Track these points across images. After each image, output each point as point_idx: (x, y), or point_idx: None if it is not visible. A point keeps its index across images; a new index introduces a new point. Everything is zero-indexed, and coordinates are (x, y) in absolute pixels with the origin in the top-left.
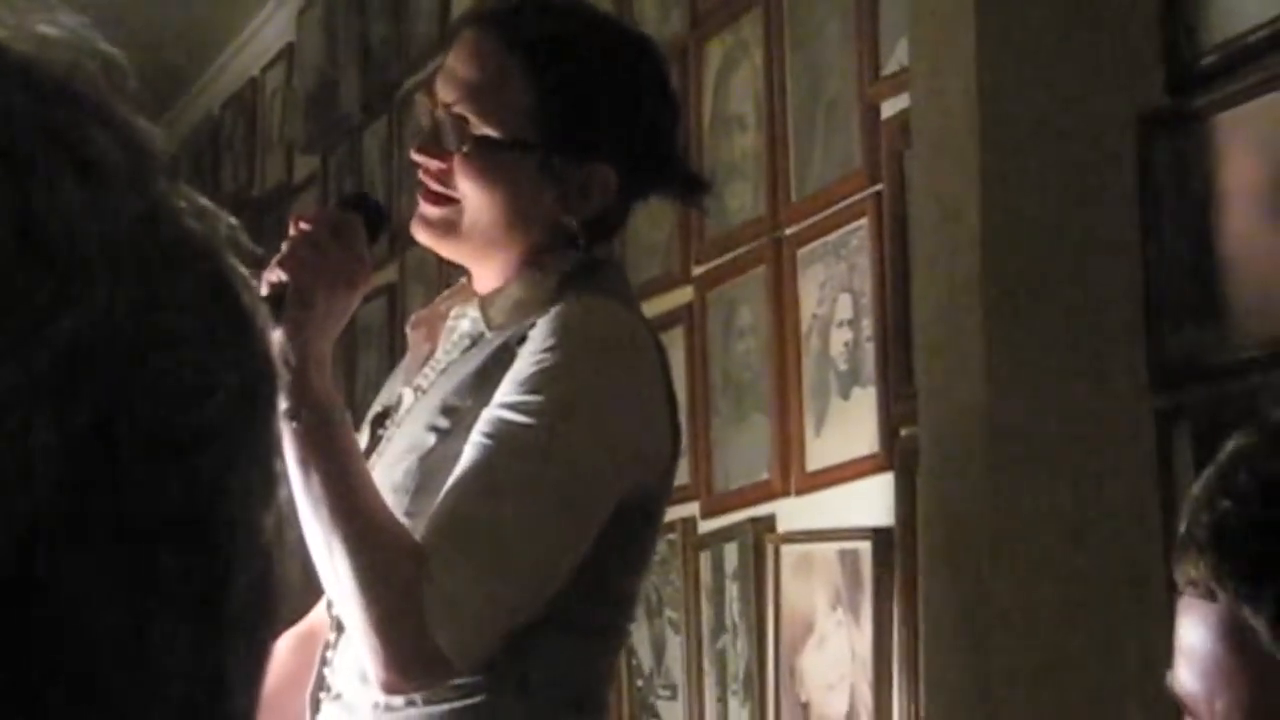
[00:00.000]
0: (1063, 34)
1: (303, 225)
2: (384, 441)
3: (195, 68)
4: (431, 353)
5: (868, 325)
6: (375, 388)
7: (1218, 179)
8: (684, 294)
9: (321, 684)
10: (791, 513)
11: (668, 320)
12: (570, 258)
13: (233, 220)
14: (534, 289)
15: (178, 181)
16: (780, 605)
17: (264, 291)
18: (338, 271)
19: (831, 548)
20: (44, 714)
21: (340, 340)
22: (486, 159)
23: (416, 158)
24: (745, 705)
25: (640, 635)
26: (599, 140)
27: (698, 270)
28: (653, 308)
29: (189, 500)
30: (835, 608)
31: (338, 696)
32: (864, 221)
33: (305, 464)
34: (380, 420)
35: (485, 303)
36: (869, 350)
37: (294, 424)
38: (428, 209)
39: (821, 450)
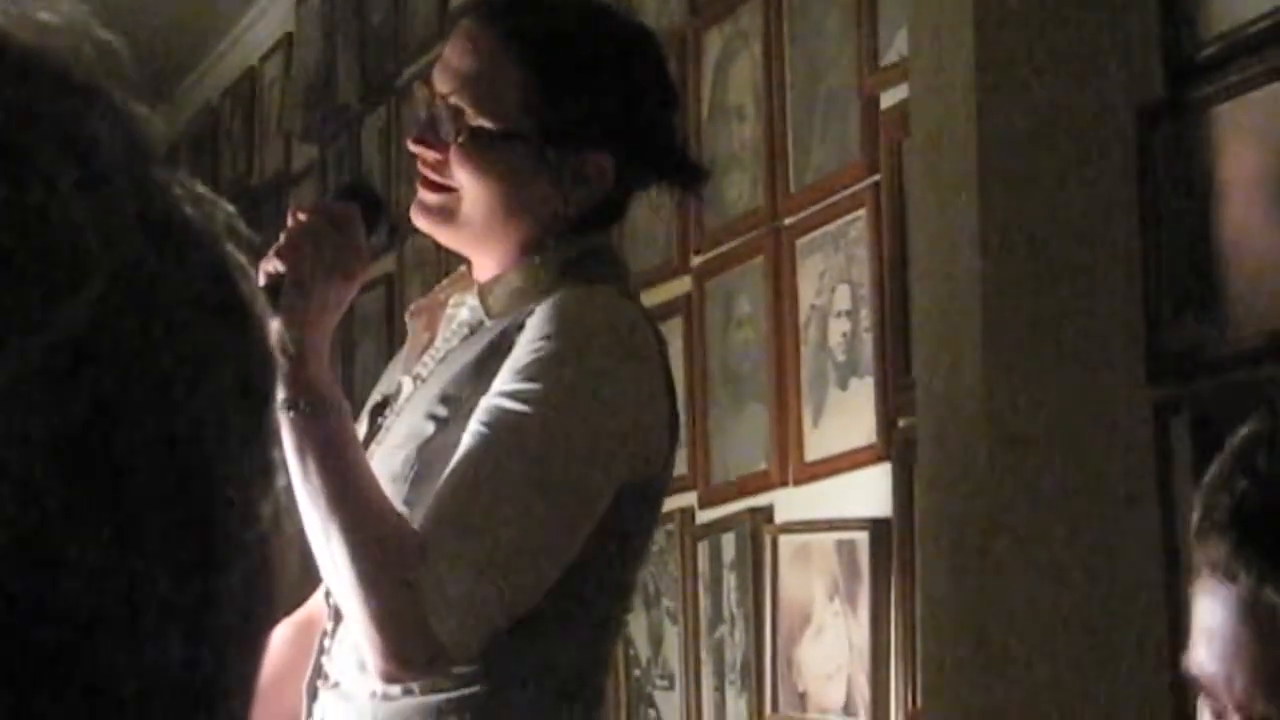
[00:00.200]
0: (1062, 25)
1: (300, 216)
2: (383, 430)
3: (194, 57)
4: (431, 341)
5: (866, 316)
6: (373, 377)
7: (1217, 170)
8: (682, 284)
9: (319, 672)
10: (789, 503)
11: (666, 310)
12: (570, 246)
13: (231, 208)
14: (533, 277)
15: (176, 169)
16: (778, 595)
17: (261, 282)
18: (334, 262)
19: (829, 538)
20: (39, 707)
21: (338, 330)
22: (482, 149)
23: (414, 148)
24: (742, 695)
25: (638, 625)
26: (595, 130)
27: (696, 260)
28: (651, 298)
29: (187, 489)
30: (833, 598)
31: (335, 685)
32: (863, 212)
33: (303, 454)
34: (380, 409)
35: (484, 291)
36: (867, 341)
37: (292, 414)
38: (426, 195)
39: (819, 441)
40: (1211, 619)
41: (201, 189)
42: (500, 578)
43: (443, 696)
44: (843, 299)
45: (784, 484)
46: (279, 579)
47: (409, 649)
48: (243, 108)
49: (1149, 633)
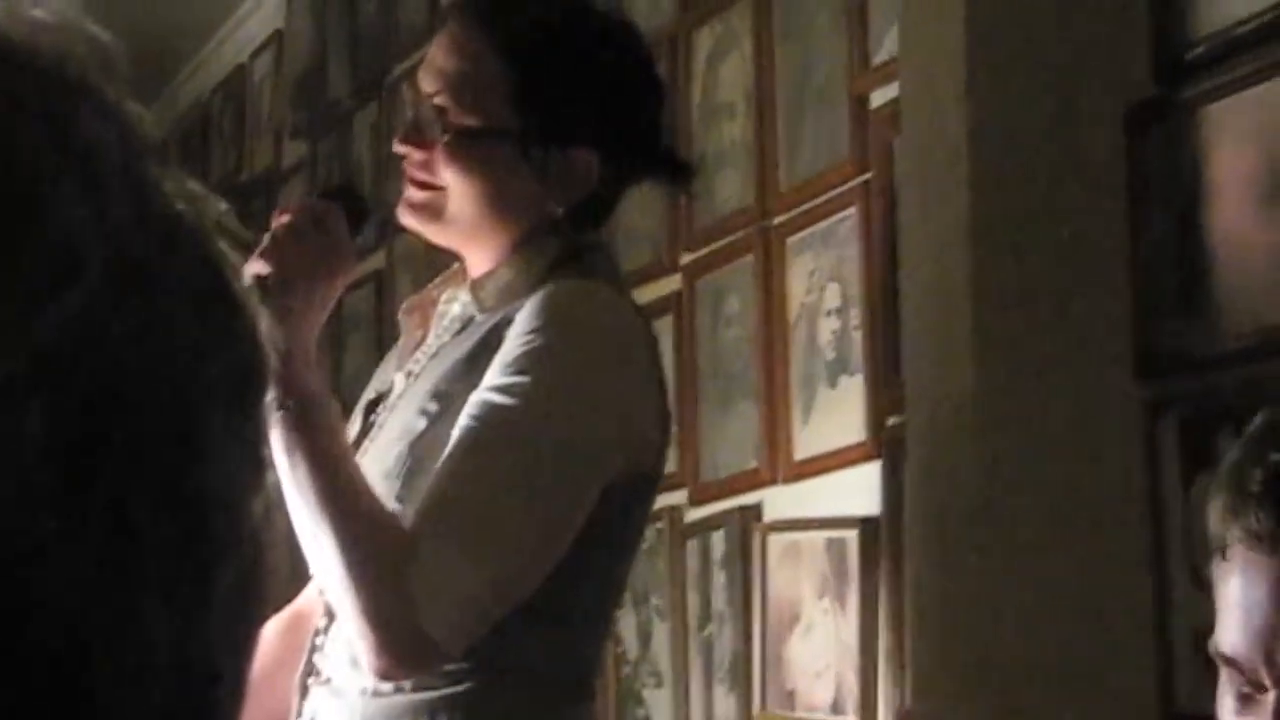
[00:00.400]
0: (1052, 24)
1: (284, 217)
2: (376, 427)
3: (185, 53)
4: (424, 338)
5: (856, 314)
6: (363, 375)
7: (1206, 170)
8: (672, 282)
9: (311, 669)
10: (779, 501)
11: (656, 309)
12: (561, 242)
13: (223, 205)
14: (524, 272)
15: (168, 166)
16: (767, 593)
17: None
18: (319, 261)
19: (818, 536)
20: (33, 700)
21: (327, 328)
22: (466, 148)
23: (400, 148)
24: (731, 693)
25: (627, 623)
26: (579, 127)
27: (686, 259)
28: (641, 296)
29: (180, 484)
30: (822, 596)
31: (327, 681)
32: (852, 210)
33: (292, 453)
34: (373, 406)
35: (476, 286)
36: (857, 339)
37: (280, 413)
38: (413, 193)
39: (809, 439)
40: (1248, 594)
41: (194, 185)
42: (490, 572)
43: (434, 694)
44: (832, 297)
45: (773, 482)
46: (270, 575)
47: (401, 645)
48: (233, 104)
49: (1138, 631)
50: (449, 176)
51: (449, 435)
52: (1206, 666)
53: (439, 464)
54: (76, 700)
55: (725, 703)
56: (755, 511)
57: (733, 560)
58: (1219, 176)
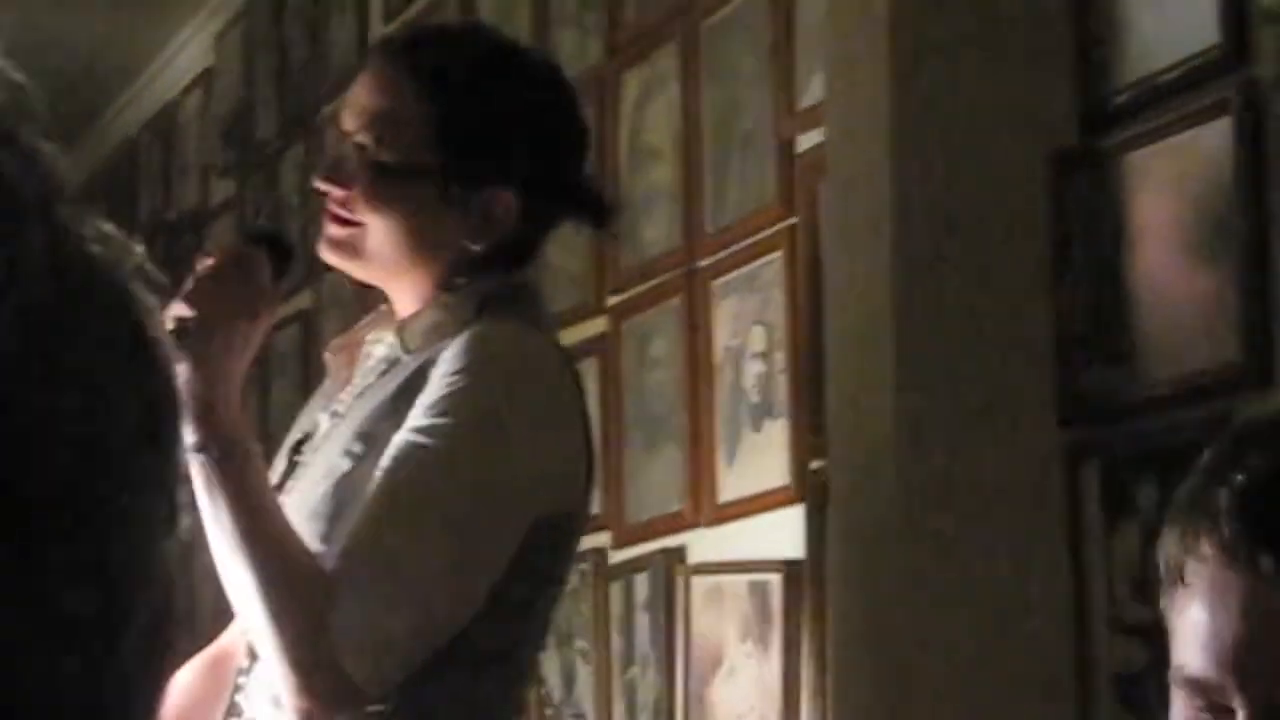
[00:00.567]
0: (977, 72)
1: (206, 261)
2: (301, 468)
3: (113, 91)
4: (350, 379)
5: (780, 358)
6: (289, 414)
7: (1129, 217)
8: (598, 324)
9: (234, 708)
10: (703, 544)
11: (582, 350)
12: (487, 282)
13: (140, 249)
14: (450, 313)
15: (85, 209)
16: (690, 636)
17: (169, 326)
18: (240, 305)
19: (742, 579)
20: None
21: (253, 367)
22: (384, 186)
23: (320, 186)
24: None
25: (550, 664)
26: (497, 165)
27: (612, 300)
28: (567, 337)
29: (90, 530)
30: (745, 639)
31: None
32: (778, 254)
33: (214, 495)
34: (298, 447)
35: (402, 327)
36: (781, 383)
37: (202, 457)
38: (333, 229)
39: (733, 482)
40: (1216, 614)
41: (110, 229)
42: (411, 613)
43: None
44: (758, 341)
45: (697, 525)
46: (182, 620)
47: (322, 686)
48: (161, 142)
49: (1060, 674)
50: (368, 214)
51: (374, 476)
52: (1126, 709)
53: (361, 505)
54: None
55: None
56: (679, 554)
57: (656, 603)
58: (1141, 223)
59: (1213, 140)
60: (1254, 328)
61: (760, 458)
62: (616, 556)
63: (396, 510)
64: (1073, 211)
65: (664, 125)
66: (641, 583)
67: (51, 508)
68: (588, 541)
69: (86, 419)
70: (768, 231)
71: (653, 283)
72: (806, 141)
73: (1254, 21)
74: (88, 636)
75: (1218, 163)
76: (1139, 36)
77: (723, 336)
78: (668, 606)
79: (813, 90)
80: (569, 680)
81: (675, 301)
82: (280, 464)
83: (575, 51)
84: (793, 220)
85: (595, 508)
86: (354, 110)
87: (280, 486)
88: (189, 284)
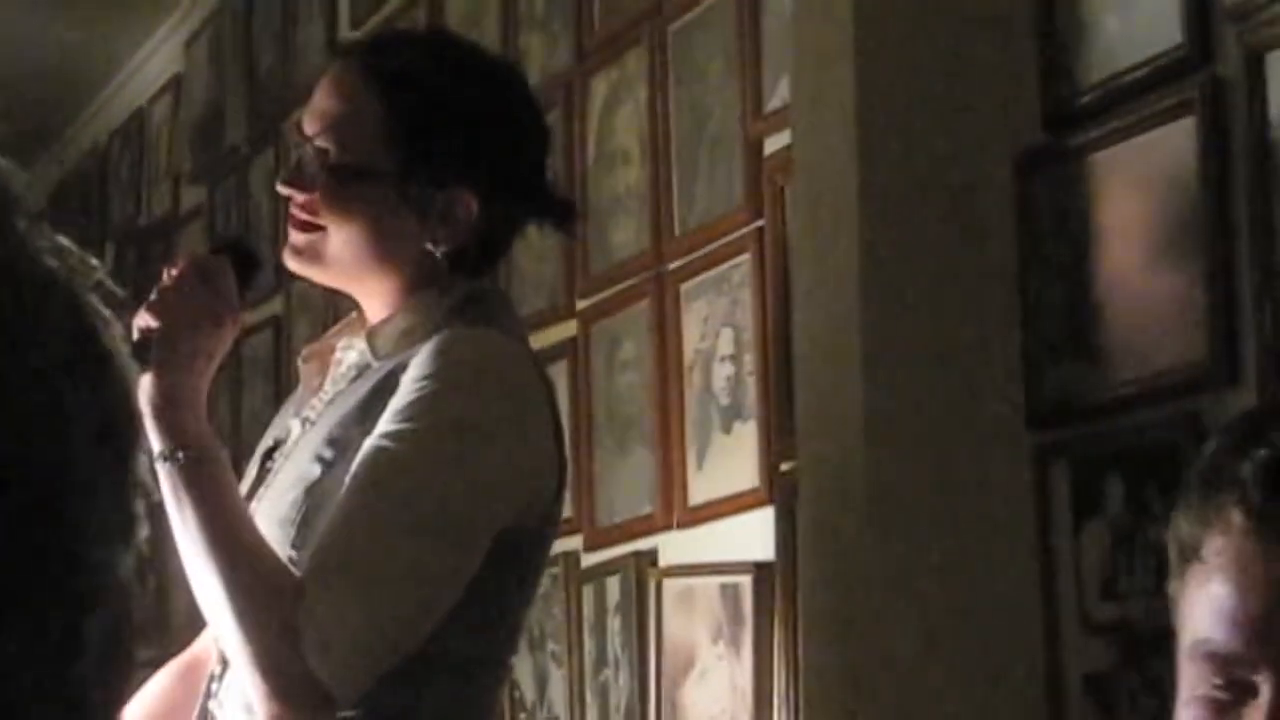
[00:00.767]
0: (942, 72)
1: (171, 272)
2: (272, 474)
3: (82, 98)
4: (321, 385)
5: (750, 360)
6: (261, 420)
7: (1095, 217)
8: (568, 328)
9: (205, 715)
10: (673, 546)
11: (551, 354)
12: (456, 288)
13: (96, 261)
14: (420, 318)
15: (40, 222)
16: (662, 639)
17: (135, 337)
18: (204, 314)
19: (713, 581)
20: None
21: (225, 374)
22: (344, 188)
23: (282, 190)
24: None
25: (523, 668)
26: (456, 166)
27: (582, 304)
28: (537, 341)
29: (45, 539)
30: (717, 641)
31: None
32: (746, 257)
33: (181, 503)
34: (270, 453)
35: (372, 333)
36: (751, 385)
37: (168, 465)
38: (295, 237)
39: (703, 485)
40: (1240, 585)
41: (67, 242)
42: (381, 619)
43: None
44: (727, 343)
45: (668, 527)
46: (139, 629)
47: (292, 692)
48: (131, 149)
49: (1030, 677)
50: (328, 217)
51: (344, 481)
52: (1095, 708)
53: (330, 512)
54: None
55: None
56: (650, 557)
57: (628, 605)
58: (1107, 223)
59: (1177, 139)
60: (1220, 327)
61: (730, 460)
62: (588, 560)
63: (365, 516)
64: (1039, 211)
65: (632, 128)
66: (613, 586)
67: (7, 517)
68: (559, 545)
69: (39, 429)
70: (736, 234)
71: (622, 286)
72: (774, 144)
73: (1217, 21)
74: (44, 642)
75: (1183, 162)
76: (1104, 36)
77: (692, 339)
78: (639, 609)
79: (780, 92)
80: (541, 683)
81: (644, 305)
82: (252, 470)
83: (543, 55)
84: (760, 222)
85: (567, 511)
86: (314, 114)
87: (251, 493)
88: (153, 294)
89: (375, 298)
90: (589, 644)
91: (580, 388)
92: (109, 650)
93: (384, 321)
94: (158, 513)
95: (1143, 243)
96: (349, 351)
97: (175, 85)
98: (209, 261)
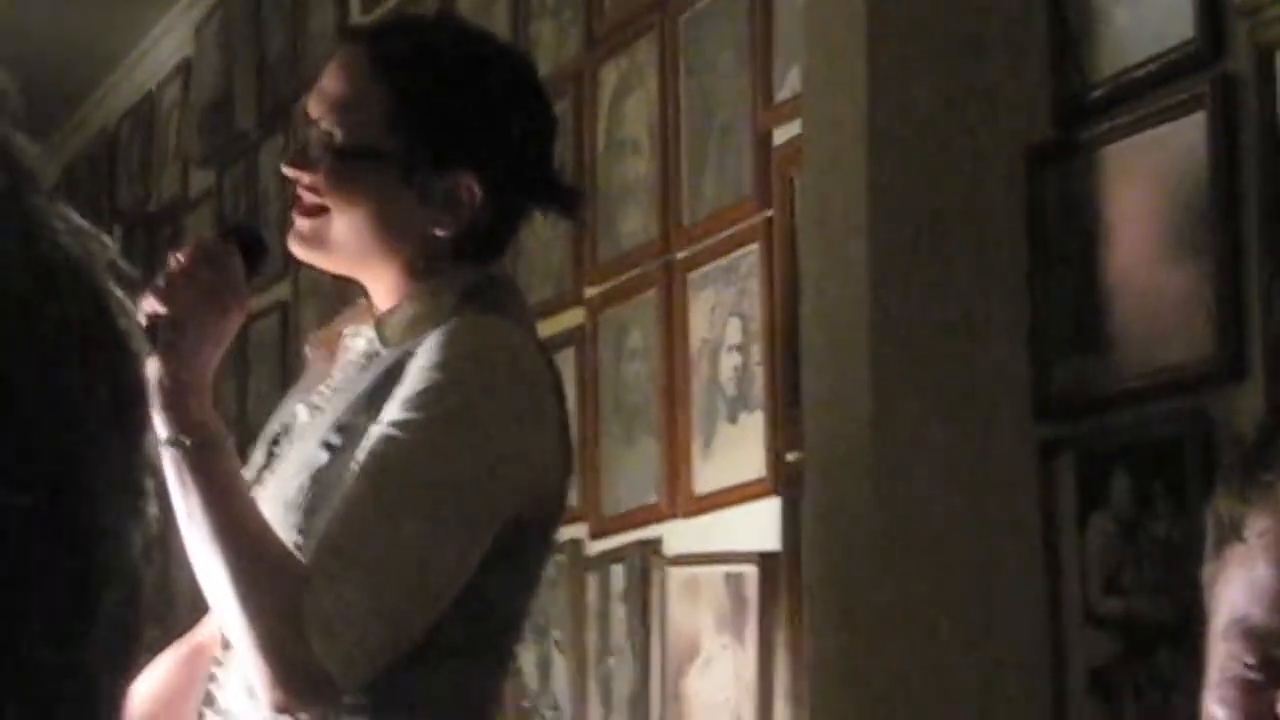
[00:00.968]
0: (953, 66)
1: (178, 257)
2: (279, 459)
3: (92, 81)
4: (329, 372)
5: (757, 350)
6: (268, 404)
7: (1105, 211)
8: (575, 316)
9: (209, 700)
10: (679, 535)
11: (559, 342)
12: (464, 275)
13: (111, 242)
14: (429, 306)
15: (56, 201)
16: (666, 627)
17: (141, 322)
18: (209, 298)
19: (718, 571)
20: None
21: (232, 359)
22: (347, 170)
23: (287, 172)
24: None
25: (526, 656)
26: (460, 149)
27: (590, 292)
28: (544, 329)
29: (60, 517)
30: (721, 631)
31: (224, 712)
32: (755, 246)
33: (186, 488)
34: (277, 439)
35: (381, 321)
36: (758, 375)
37: (174, 450)
38: (299, 222)
39: (709, 474)
40: None
41: (81, 222)
42: (386, 606)
43: None
44: (734, 333)
45: (673, 516)
46: (148, 610)
47: (296, 678)
48: (140, 132)
49: (1034, 667)
50: (332, 199)
51: (351, 468)
52: (1100, 701)
53: (337, 499)
54: None
55: None
56: (655, 545)
57: (632, 594)
58: (1116, 217)
59: (1188, 134)
60: (1228, 321)
61: (736, 449)
62: (593, 548)
63: (371, 503)
64: (1048, 205)
65: (642, 118)
66: (618, 574)
67: (20, 495)
68: (564, 533)
69: (55, 409)
70: (744, 224)
71: (630, 275)
72: (783, 134)
73: (1229, 16)
74: (57, 620)
75: (1193, 157)
76: (1115, 30)
77: (699, 329)
78: (644, 598)
79: (790, 83)
80: (545, 671)
81: (652, 293)
82: (259, 455)
83: (553, 44)
84: (769, 212)
85: (572, 499)
86: (319, 97)
87: (258, 478)
88: (160, 280)
89: (381, 283)
90: (593, 632)
91: (587, 376)
92: (118, 629)
93: (392, 309)
94: (163, 494)
95: (1151, 237)
96: (357, 339)
97: (185, 69)
98: (216, 247)
